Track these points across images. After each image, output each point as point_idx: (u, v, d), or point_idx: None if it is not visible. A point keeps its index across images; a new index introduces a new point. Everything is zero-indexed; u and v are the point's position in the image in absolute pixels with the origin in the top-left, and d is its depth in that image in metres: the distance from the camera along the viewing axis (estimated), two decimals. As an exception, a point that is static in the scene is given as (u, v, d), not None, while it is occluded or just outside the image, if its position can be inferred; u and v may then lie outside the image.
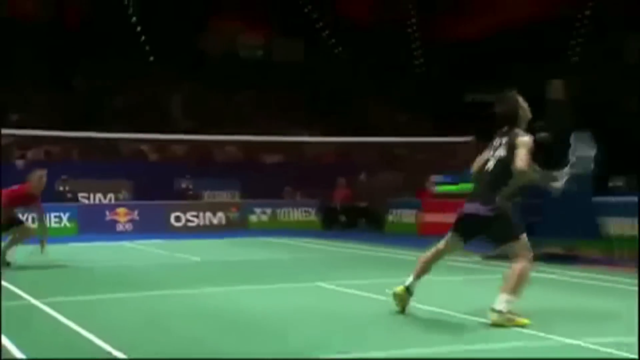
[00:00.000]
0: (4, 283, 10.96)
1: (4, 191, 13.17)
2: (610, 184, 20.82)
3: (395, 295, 8.31)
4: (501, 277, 8.86)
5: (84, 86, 30.67)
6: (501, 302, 7.49)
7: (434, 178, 23.18)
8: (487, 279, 11.53)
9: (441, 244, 8.38)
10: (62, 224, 22.01)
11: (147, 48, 33.65)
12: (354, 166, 26.57)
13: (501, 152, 7.74)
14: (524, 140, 7.66)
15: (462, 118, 26.65)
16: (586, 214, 14.11)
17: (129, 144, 27.27)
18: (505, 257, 13.12)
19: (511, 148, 7.64)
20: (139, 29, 33.84)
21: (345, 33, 36.39)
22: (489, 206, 7.69)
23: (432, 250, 8.45)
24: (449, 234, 8.32)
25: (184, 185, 25.49)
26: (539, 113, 14.17)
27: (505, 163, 7.65)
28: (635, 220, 15.69)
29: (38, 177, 13.37)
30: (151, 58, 33.49)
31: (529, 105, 8.04)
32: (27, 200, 13.49)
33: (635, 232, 15.54)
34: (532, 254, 7.78)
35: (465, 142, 16.68)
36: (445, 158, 27.43)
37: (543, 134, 13.85)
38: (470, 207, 7.95)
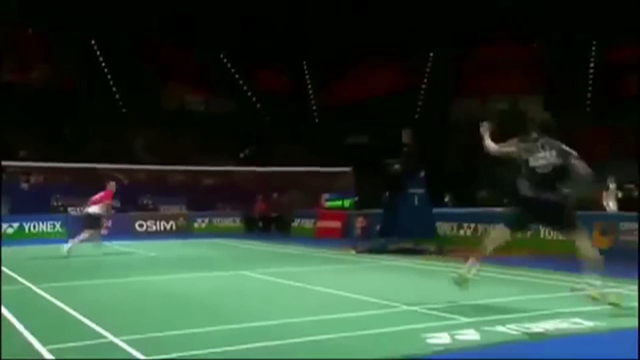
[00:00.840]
0: (8, 271, 10.65)
1: (102, 195, 14.35)
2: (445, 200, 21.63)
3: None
4: (368, 266, 9.05)
5: (72, 131, 29.95)
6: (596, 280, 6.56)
7: (325, 196, 23.45)
8: (356, 267, 11.75)
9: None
10: (55, 230, 21.29)
11: (120, 103, 33.08)
12: (269, 187, 26.53)
13: (553, 159, 6.57)
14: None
15: (344, 154, 27.07)
16: (428, 220, 14.48)
17: (106, 172, 26.56)
18: (378, 251, 13.77)
19: (563, 156, 6.58)
20: (114, 89, 33.27)
21: (265, 96, 36.58)
22: (562, 195, 6.58)
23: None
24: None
25: (145, 201, 25.09)
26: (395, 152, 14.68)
27: (559, 170, 6.56)
28: (455, 225, 16.39)
29: (112, 185, 14.63)
30: (123, 110, 32.88)
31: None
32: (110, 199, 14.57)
33: (455, 234, 16.22)
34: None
35: (345, 172, 16.90)
36: (331, 182, 27.78)
37: (396, 167, 14.31)
38: (547, 195, 6.57)
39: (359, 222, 18.03)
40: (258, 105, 37.27)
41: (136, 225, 22.52)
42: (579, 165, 6.52)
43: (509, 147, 6.91)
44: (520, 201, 6.77)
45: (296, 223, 22.88)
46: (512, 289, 8.56)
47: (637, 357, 4.98)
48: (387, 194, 14.76)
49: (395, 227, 14.12)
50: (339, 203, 22.20)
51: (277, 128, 34.04)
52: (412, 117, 32.14)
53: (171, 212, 24.91)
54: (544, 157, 6.64)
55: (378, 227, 15.21)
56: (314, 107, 38.02)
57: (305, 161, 26.62)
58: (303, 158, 29.92)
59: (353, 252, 14.19)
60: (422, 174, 14.36)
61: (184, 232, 22.44)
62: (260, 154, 29.99)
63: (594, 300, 6.61)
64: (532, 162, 6.68)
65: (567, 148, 6.64)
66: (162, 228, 22.85)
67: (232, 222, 24.20)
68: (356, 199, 17.32)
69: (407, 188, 14.13)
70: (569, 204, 6.60)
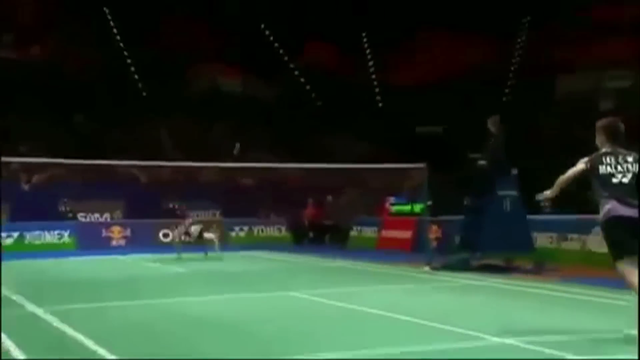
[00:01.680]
0: (5, 292, 10.89)
1: None
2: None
3: None
4: (444, 286, 8.95)
5: (83, 120, 30.60)
6: None
7: (391, 199, 23.33)
8: (430, 288, 11.68)
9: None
10: (63, 240, 21.81)
11: (140, 85, 33.62)
12: (322, 189, 26.62)
13: (634, 167, 7.03)
14: None
15: (414, 147, 26.89)
16: (521, 229, 14.24)
17: (124, 169, 27.12)
18: (457, 268, 13.73)
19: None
20: (132, 69, 33.85)
21: (315, 76, 36.64)
22: None
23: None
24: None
25: (171, 206, 25.40)
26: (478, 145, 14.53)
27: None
28: (555, 236, 16.08)
29: None
30: (144, 93, 33.44)
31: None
32: None
33: (557, 247, 15.92)
34: None
35: (415, 169, 16.74)
36: (398, 182, 27.64)
37: (481, 163, 14.15)
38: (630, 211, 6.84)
39: (434, 232, 18.07)
40: (307, 87, 37.44)
41: (160, 234, 22.86)
42: None
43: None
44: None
45: (355, 232, 22.95)
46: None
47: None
48: (470, 196, 14.79)
49: (480, 239, 14.06)
50: (407, 208, 22.10)
51: (331, 115, 34.10)
52: (499, 100, 31.73)
53: (203, 218, 25.23)
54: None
55: (458, 238, 15.21)
56: (377, 90, 37.98)
57: (367, 156, 26.64)
58: (363, 152, 29.96)
59: (426, 268, 14.23)
60: (515, 171, 14.26)
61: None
62: (309, 148, 30.14)
63: None
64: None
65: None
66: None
67: (277, 231, 24.46)
68: (430, 202, 17.14)
69: (495, 189, 14.10)
70: None
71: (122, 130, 30.34)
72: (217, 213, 25.86)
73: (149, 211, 24.01)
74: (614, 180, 7.00)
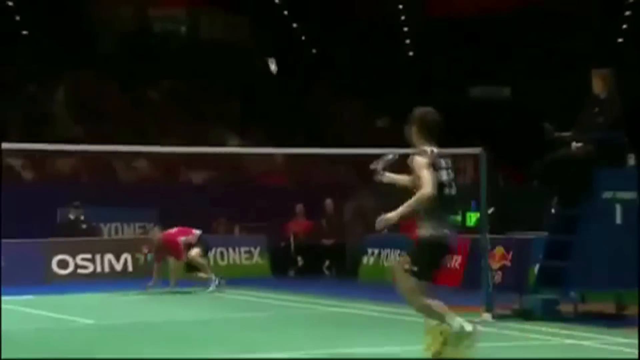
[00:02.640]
0: None
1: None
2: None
3: None
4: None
5: None
6: None
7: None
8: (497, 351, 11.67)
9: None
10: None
11: (17, 19, 33.80)
12: (316, 189, 26.60)
13: (452, 174, 9.69)
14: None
15: (466, 122, 26.92)
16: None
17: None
18: (538, 316, 13.87)
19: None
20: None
21: (307, 14, 36.94)
22: None
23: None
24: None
25: (72, 216, 25.31)
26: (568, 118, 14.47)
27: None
28: None
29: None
30: (24, 32, 33.55)
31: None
32: None
33: None
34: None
35: (468, 156, 16.65)
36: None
37: (577, 145, 14.11)
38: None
39: (498, 258, 18.11)
40: (294, 25, 37.55)
41: (53, 263, 22.85)
42: None
43: None
44: None
45: (371, 257, 22.92)
46: None
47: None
48: (557, 200, 14.97)
49: (576, 268, 14.06)
50: (456, 219, 22.06)
51: (333, 73, 34.20)
52: (602, 46, 31.75)
53: (128, 236, 25.37)
54: None
55: (537, 267, 15.29)
56: (404, 29, 38.13)
57: (386, 135, 26.55)
58: (380, 130, 29.99)
59: (485, 315, 14.30)
60: (632, 159, 14.28)
61: (149, 275, 22.48)
62: (297, 125, 30.21)
63: None
64: None
65: None
66: (106, 269, 23.23)
67: (248, 256, 24.48)
68: (492, 210, 17.16)
69: (600, 189, 14.15)
70: None
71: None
72: (152, 226, 25.68)
73: (34, 226, 23.96)
74: (446, 191, 9.68)
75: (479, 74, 33.59)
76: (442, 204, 9.66)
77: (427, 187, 9.44)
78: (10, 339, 12.83)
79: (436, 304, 9.80)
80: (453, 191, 9.74)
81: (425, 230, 9.72)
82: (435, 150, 9.65)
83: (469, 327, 9.66)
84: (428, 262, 9.81)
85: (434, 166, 9.54)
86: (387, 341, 12.52)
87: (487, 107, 31.66)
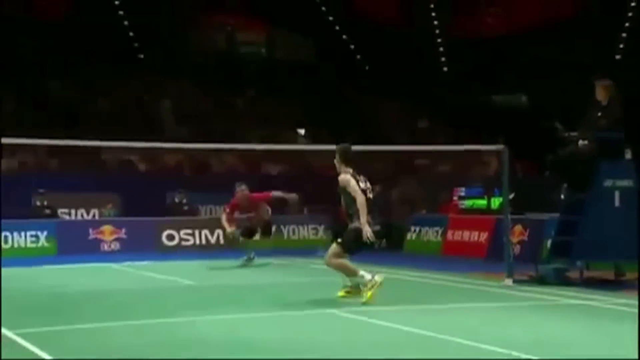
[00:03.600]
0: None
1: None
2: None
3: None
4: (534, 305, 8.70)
5: (61, 88, 30.77)
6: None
7: (460, 191, 23.17)
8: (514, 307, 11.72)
9: None
10: (40, 243, 21.90)
11: (136, 45, 33.89)
12: (369, 178, 26.54)
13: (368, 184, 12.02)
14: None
15: (491, 124, 26.72)
16: (637, 232, 13.99)
17: (116, 153, 27.37)
18: (551, 281, 13.79)
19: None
20: (125, 22, 34.08)
21: (362, 29, 36.72)
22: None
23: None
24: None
25: (177, 200, 25.48)
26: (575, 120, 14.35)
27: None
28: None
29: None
30: (140, 56, 33.69)
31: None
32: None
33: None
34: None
35: (492, 152, 16.56)
36: (469, 169, 27.44)
37: (583, 143, 14.01)
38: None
39: (517, 234, 17.95)
40: (352, 47, 37.44)
41: (163, 236, 23.03)
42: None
43: None
44: None
45: (413, 234, 22.81)
46: None
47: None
48: (566, 188, 14.92)
49: (581, 243, 14.03)
50: (482, 202, 22.06)
51: (381, 83, 34.05)
52: (609, 57, 31.29)
53: (217, 216, 25.31)
54: None
55: (550, 242, 15.22)
56: (441, 48, 37.90)
57: (427, 134, 26.46)
58: (422, 129, 29.80)
59: (508, 281, 14.20)
60: (629, 154, 14.18)
61: (236, 247, 22.60)
62: (352, 126, 30.17)
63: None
64: None
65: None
66: (203, 241, 23.33)
67: (313, 232, 24.46)
68: (512, 195, 17.05)
69: (602, 178, 14.05)
70: None
71: (112, 103, 30.60)
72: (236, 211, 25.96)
73: (149, 207, 24.19)
74: (368, 195, 11.79)
75: (502, 84, 33.36)
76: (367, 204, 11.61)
77: (359, 196, 11.46)
78: (131, 294, 13.37)
79: (348, 263, 11.60)
80: (371, 195, 11.94)
81: (356, 224, 11.48)
82: (351, 171, 11.78)
83: (378, 278, 11.32)
84: (351, 241, 11.54)
85: (355, 179, 11.66)
86: (426, 301, 12.57)
87: (508, 112, 31.34)
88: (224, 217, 18.90)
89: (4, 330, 9.49)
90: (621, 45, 33.24)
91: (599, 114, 14.04)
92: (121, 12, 34.06)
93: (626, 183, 14.05)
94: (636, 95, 23.40)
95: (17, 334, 9.13)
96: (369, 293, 11.19)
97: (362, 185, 11.70)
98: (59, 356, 7.90)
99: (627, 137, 14.15)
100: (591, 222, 13.97)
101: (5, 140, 18.82)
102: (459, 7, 36.49)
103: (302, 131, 30.81)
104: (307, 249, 21.38)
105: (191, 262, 19.18)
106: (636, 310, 11.05)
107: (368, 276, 11.34)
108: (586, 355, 7.96)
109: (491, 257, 18.25)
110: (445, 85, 35.32)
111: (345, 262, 11.57)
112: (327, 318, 10.57)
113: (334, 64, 35.90)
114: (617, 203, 13.97)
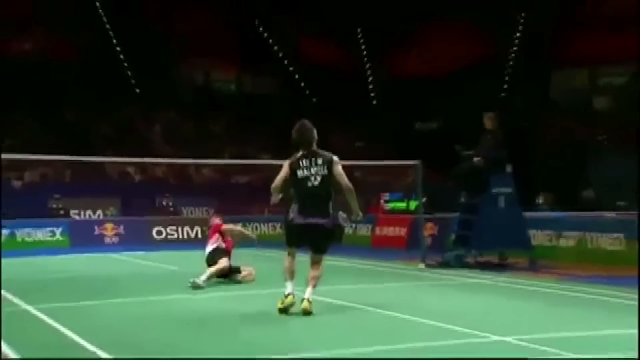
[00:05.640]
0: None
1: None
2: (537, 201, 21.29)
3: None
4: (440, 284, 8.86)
5: (74, 115, 30.48)
6: (310, 294, 8.28)
7: (385, 196, 23.29)
8: (424, 285, 11.73)
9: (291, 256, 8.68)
10: (55, 238, 21.68)
11: (133, 81, 33.65)
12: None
13: (323, 171, 8.26)
14: (337, 159, 8.38)
15: (410, 143, 26.93)
16: (517, 227, 14.29)
17: (116, 166, 27.23)
18: (452, 266, 13.75)
19: (328, 167, 8.27)
20: (125, 64, 33.85)
21: (311, 71, 36.71)
22: (328, 219, 8.37)
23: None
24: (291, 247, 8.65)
25: (164, 203, 25.42)
26: (474, 142, 14.55)
27: (328, 180, 8.26)
28: (553, 234, 16.15)
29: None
30: (137, 90, 33.48)
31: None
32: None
33: (554, 245, 15.97)
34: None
35: (410, 166, 16.73)
36: (393, 179, 27.65)
37: (476, 160, 14.14)
38: (314, 220, 8.33)
39: (428, 229, 17.97)
40: (302, 84, 37.44)
41: (153, 232, 22.84)
42: (343, 178, 8.25)
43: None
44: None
45: (349, 230, 22.72)
46: (631, 317, 8.24)
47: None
48: (465, 194, 14.82)
49: (475, 236, 14.14)
50: (402, 205, 22.15)
51: (327, 111, 34.10)
52: (495, 96, 31.77)
53: (197, 216, 25.26)
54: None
55: (453, 236, 15.25)
56: (371, 86, 38.02)
57: (361, 153, 26.60)
58: (358, 149, 29.93)
59: (420, 266, 14.21)
60: (509, 168, 14.26)
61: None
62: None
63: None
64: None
65: (335, 157, 8.43)
66: (185, 235, 23.10)
67: (272, 229, 24.22)
68: (425, 200, 17.17)
69: (491, 187, 14.10)
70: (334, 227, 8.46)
71: (115, 127, 30.38)
72: (212, 210, 25.81)
73: (142, 208, 23.98)
74: (308, 184, 8.25)
75: (421, 114, 33.61)
76: (301, 194, 8.31)
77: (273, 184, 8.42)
78: (128, 278, 13.32)
79: (286, 266, 8.61)
80: (313, 183, 8.24)
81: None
82: (299, 154, 8.37)
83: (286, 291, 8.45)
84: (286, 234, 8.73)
85: (292, 165, 8.33)
86: (358, 282, 12.49)
87: (425, 135, 31.53)
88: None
89: (26, 306, 9.50)
90: (505, 86, 33.84)
91: (488, 137, 14.11)
92: (122, 57, 33.90)
93: (508, 190, 14.15)
94: (517, 125, 23.91)
95: (38, 309, 9.10)
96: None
97: (300, 173, 8.35)
98: (70, 326, 7.86)
99: (508, 156, 14.23)
100: (483, 220, 14.03)
101: (29, 157, 18.87)
102: (387, 53, 36.61)
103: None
104: (267, 243, 21.24)
105: (175, 252, 18.96)
106: (514, 285, 11.37)
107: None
108: (480, 319, 8.04)
109: (409, 248, 18.28)
110: (377, 113, 35.38)
111: (287, 263, 8.67)
112: (277, 296, 10.47)
113: (289, 97, 35.89)
114: (501, 205, 14.10)
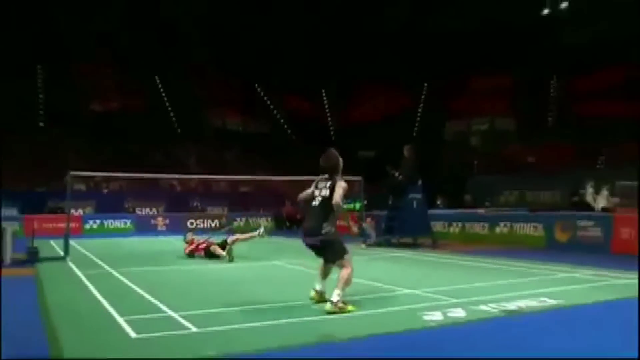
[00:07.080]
0: (94, 258, 10.80)
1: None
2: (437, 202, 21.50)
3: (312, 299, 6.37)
4: (375, 257, 8.93)
5: (138, 147, 30.28)
6: (335, 295, 5.91)
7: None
8: (365, 259, 11.57)
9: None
10: (127, 226, 21.70)
11: (176, 125, 33.51)
12: (296, 193, 26.28)
13: (324, 192, 6.09)
14: (342, 184, 6.05)
15: (356, 166, 27.02)
16: (424, 220, 14.33)
17: (165, 180, 27.04)
18: (383, 245, 13.58)
19: (331, 189, 6.03)
20: (171, 113, 33.69)
21: (292, 118, 36.64)
22: (320, 236, 6.06)
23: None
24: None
25: (195, 204, 25.35)
26: (398, 164, 14.64)
27: (327, 201, 6.00)
28: (446, 224, 16.27)
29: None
30: (178, 130, 33.30)
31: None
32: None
33: (446, 231, 15.97)
34: (352, 265, 6.14)
35: (356, 180, 16.87)
36: (349, 190, 27.57)
37: (399, 176, 14.17)
38: (309, 240, 6.22)
39: (369, 222, 17.70)
40: (286, 126, 37.55)
41: (188, 223, 22.67)
42: (335, 195, 5.94)
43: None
44: None
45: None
46: (491, 275, 8.58)
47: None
48: (391, 198, 14.63)
49: (398, 226, 14.01)
50: (352, 206, 22.13)
51: (302, 145, 34.27)
52: (411, 134, 32.19)
53: (215, 212, 25.12)
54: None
55: (383, 225, 14.89)
56: (332, 128, 38.13)
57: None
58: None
59: (363, 245, 14.02)
60: (420, 182, 14.21)
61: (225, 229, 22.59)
62: (288, 167, 30.03)
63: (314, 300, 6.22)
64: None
65: (341, 182, 6.06)
66: (208, 225, 22.90)
67: (265, 221, 24.08)
68: (365, 202, 17.26)
69: (408, 193, 13.99)
70: (327, 241, 6.02)
71: (164, 155, 30.21)
72: (225, 209, 25.83)
73: (180, 208, 23.92)
74: (312, 203, 6.19)
75: (364, 145, 33.74)
76: (306, 212, 6.34)
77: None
78: (171, 253, 12.68)
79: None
80: (314, 203, 6.16)
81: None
82: (320, 177, 6.31)
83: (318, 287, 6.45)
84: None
85: (314, 185, 6.31)
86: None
87: (366, 160, 31.57)
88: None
89: (110, 269, 9.43)
90: (416, 128, 34.04)
91: (408, 161, 14.02)
92: (169, 109, 33.53)
93: (418, 196, 14.09)
94: (427, 157, 24.09)
95: (118, 272, 9.03)
96: (350, 307, 6.00)
97: (314, 192, 6.30)
98: (135, 283, 7.79)
99: (418, 174, 14.19)
100: (403, 216, 13.91)
101: (111, 174, 18.81)
102: (341, 105, 36.69)
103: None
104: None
105: (202, 236, 18.76)
106: (421, 257, 11.21)
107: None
108: (398, 279, 7.97)
109: (356, 235, 18.19)
110: (333, 144, 35.20)
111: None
112: (272, 265, 10.34)
113: (277, 134, 35.92)
114: (414, 206, 14.02)
